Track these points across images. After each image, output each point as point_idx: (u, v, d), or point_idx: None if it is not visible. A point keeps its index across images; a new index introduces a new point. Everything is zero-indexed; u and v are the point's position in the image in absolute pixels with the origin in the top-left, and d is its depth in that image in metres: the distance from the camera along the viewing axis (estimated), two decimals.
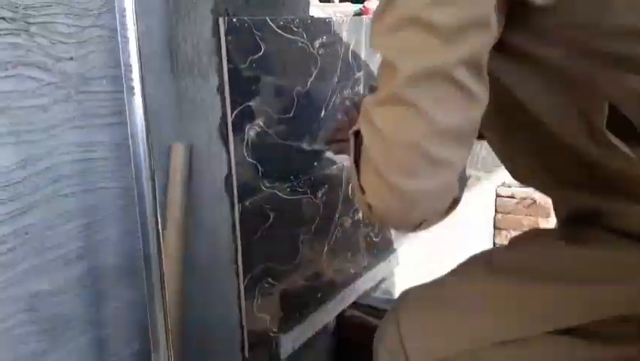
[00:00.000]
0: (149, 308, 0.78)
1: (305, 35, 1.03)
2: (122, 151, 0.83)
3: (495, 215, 2.36)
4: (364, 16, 1.23)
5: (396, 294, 1.63)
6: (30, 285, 0.76)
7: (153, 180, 0.74)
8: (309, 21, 1.04)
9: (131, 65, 0.71)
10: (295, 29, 1.00)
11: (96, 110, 0.81)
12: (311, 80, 1.07)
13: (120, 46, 0.71)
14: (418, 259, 1.75)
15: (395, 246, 1.54)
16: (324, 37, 1.09)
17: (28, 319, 0.76)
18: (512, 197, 2.30)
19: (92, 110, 0.80)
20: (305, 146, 1.09)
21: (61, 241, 0.79)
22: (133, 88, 0.71)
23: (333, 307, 1.29)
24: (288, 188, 1.07)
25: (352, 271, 1.35)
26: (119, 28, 0.71)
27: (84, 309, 0.84)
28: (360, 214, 1.33)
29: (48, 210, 0.77)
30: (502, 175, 2.33)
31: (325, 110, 1.13)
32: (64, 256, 0.80)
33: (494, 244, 2.40)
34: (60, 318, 0.81)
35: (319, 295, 1.23)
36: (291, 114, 1.04)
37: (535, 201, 2.25)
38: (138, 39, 0.72)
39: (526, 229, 2.30)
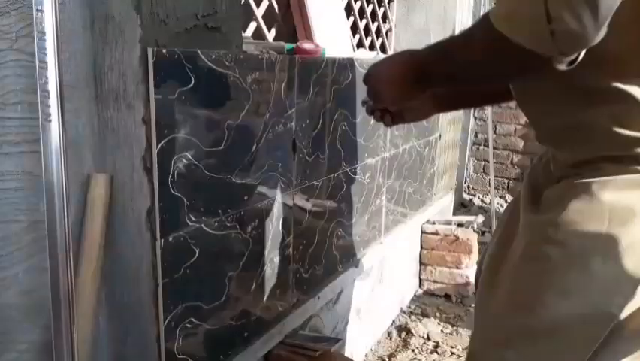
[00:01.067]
0: (56, 351, 0.72)
1: (237, 70, 1.03)
2: (35, 182, 0.78)
3: (420, 251, 2.43)
4: (297, 56, 1.25)
5: (326, 331, 1.62)
6: None
7: (67, 212, 0.69)
8: (242, 56, 1.05)
9: (48, 92, 0.68)
10: (228, 64, 1.00)
11: (8, 138, 0.76)
12: (243, 114, 1.07)
13: (37, 71, 0.67)
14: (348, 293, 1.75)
15: (324, 282, 1.54)
16: (257, 73, 1.10)
17: None
18: (436, 233, 2.39)
19: (4, 137, 0.75)
20: (235, 179, 1.07)
21: None
22: (49, 115, 0.67)
23: (261, 347, 1.26)
24: (216, 223, 1.04)
25: (281, 308, 1.33)
26: (37, 53, 0.68)
27: None
28: (290, 250, 1.32)
29: None
30: (427, 213, 2.42)
31: (257, 145, 1.13)
32: None
33: (420, 280, 2.46)
34: None
35: (246, 334, 1.19)
36: (222, 147, 1.02)
37: (457, 238, 2.35)
38: (59, 64, 0.69)
39: (450, 265, 2.39)
